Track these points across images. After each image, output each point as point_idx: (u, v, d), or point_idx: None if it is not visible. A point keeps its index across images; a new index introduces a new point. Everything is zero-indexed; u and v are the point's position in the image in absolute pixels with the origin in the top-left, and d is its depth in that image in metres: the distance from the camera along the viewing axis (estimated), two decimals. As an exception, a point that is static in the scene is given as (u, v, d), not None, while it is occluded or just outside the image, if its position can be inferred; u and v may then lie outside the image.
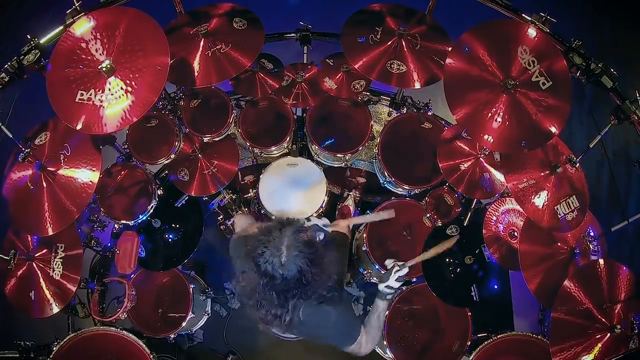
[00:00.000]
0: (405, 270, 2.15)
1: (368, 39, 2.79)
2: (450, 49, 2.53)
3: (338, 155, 3.23)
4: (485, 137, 2.33)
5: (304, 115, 3.41)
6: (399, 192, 3.33)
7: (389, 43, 2.79)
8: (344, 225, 3.01)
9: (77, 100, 2.33)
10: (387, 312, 2.13)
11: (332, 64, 3.16)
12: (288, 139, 3.31)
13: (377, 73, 2.75)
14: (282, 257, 1.71)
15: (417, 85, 2.75)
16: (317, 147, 3.23)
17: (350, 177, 3.72)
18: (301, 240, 1.76)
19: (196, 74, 2.73)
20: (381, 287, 2.16)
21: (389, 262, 2.20)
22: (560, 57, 2.37)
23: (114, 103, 2.32)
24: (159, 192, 3.05)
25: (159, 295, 3.23)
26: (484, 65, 2.35)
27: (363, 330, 2.06)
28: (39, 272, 2.66)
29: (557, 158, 2.52)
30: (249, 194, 3.41)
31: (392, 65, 2.75)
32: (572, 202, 2.50)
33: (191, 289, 3.14)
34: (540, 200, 2.45)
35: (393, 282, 2.14)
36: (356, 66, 2.75)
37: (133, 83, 2.32)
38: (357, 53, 2.78)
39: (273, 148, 3.30)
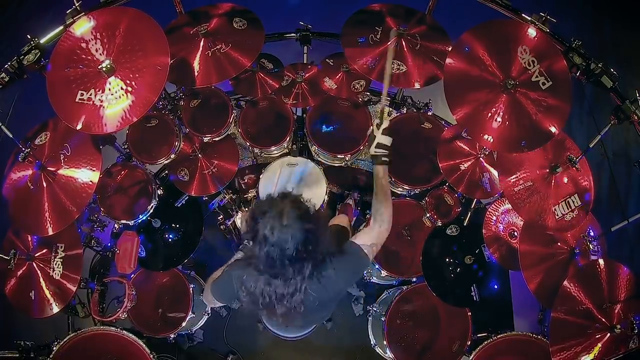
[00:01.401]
0: (385, 108, 2.11)
1: (368, 39, 2.79)
2: (450, 48, 2.53)
3: (338, 155, 3.23)
4: (485, 137, 2.33)
5: (304, 115, 3.41)
6: (399, 192, 3.33)
7: (388, 43, 2.79)
8: (345, 221, 3.03)
9: (77, 100, 2.33)
10: (387, 178, 2.11)
11: (332, 64, 3.16)
12: (288, 139, 3.31)
13: (377, 73, 2.74)
14: (284, 220, 1.67)
15: (417, 85, 2.75)
16: (317, 147, 3.23)
17: (350, 177, 3.73)
18: (300, 201, 1.76)
19: (196, 74, 2.73)
20: (372, 149, 2.11)
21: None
22: (560, 57, 2.37)
23: (114, 103, 2.32)
24: (159, 192, 3.05)
25: (159, 295, 3.23)
26: (484, 65, 2.35)
27: (370, 225, 2.02)
28: (39, 272, 2.66)
29: (559, 157, 2.52)
30: (249, 194, 3.41)
31: (392, 66, 2.75)
32: (574, 202, 2.50)
33: (191, 289, 3.14)
34: (538, 201, 2.45)
35: (381, 137, 2.09)
36: (356, 67, 2.75)
37: (133, 83, 2.32)
38: (357, 53, 2.78)
39: (273, 148, 3.30)
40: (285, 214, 1.69)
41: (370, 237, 2.00)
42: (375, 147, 2.09)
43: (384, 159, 2.09)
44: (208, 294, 2.11)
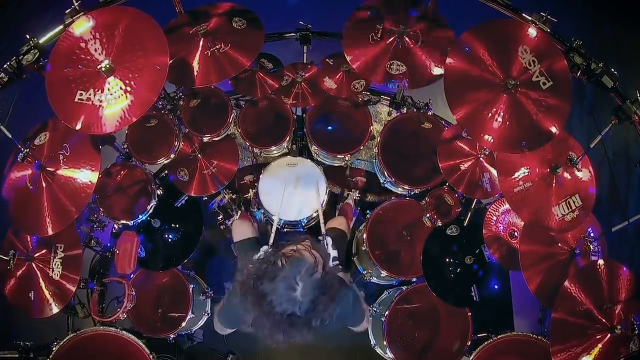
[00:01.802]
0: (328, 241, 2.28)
1: (367, 40, 2.78)
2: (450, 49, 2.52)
3: (338, 155, 3.23)
4: (486, 137, 2.33)
5: (304, 115, 3.40)
6: (399, 192, 3.33)
7: (389, 41, 2.78)
8: (343, 223, 3.03)
9: (76, 100, 2.33)
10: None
11: (332, 63, 3.15)
12: (288, 138, 3.31)
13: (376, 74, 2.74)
14: (298, 294, 1.64)
15: (437, 71, 2.71)
16: (317, 147, 3.23)
17: (350, 177, 3.72)
18: (302, 270, 1.68)
19: (196, 73, 2.72)
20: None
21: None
22: (561, 57, 2.36)
23: (113, 103, 2.31)
24: (159, 192, 3.05)
25: (158, 295, 3.22)
26: (484, 65, 2.34)
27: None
28: (38, 272, 2.65)
29: (559, 157, 2.51)
30: (249, 194, 3.41)
31: (392, 66, 2.74)
32: (574, 202, 2.49)
33: (191, 289, 3.13)
34: (538, 202, 2.45)
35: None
36: (354, 66, 2.74)
37: (132, 83, 2.32)
38: (357, 53, 2.77)
39: (273, 148, 3.29)
40: (299, 288, 1.65)
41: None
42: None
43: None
44: (216, 323, 2.19)
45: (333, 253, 2.19)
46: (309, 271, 1.69)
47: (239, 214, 3.25)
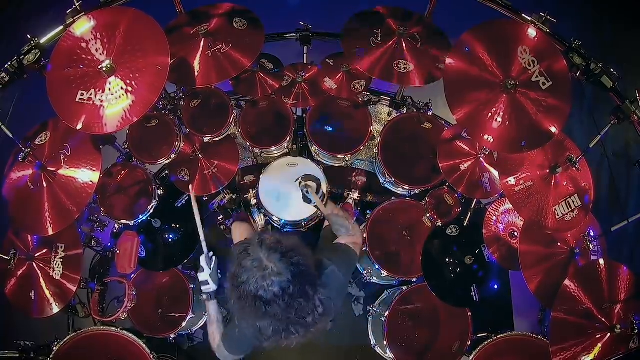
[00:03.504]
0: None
1: (365, 51, 2.79)
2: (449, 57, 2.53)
3: (338, 155, 3.23)
4: (485, 137, 2.33)
5: (304, 115, 3.41)
6: (399, 192, 3.33)
7: (389, 43, 2.79)
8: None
9: (77, 100, 2.33)
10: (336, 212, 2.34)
11: (332, 64, 3.16)
12: (288, 139, 3.31)
13: (378, 71, 2.74)
14: (274, 269, 1.64)
15: (418, 83, 2.74)
16: (317, 148, 3.23)
17: (350, 177, 3.73)
18: (269, 244, 1.69)
19: (196, 74, 2.73)
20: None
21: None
22: (560, 57, 2.37)
23: (114, 103, 2.32)
24: (159, 192, 3.05)
25: (159, 295, 3.23)
26: (484, 65, 2.35)
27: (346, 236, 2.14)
28: (39, 272, 2.66)
29: (559, 157, 2.52)
30: (249, 194, 3.41)
31: (399, 65, 2.75)
32: (574, 202, 2.50)
33: (191, 289, 3.14)
34: (538, 201, 2.45)
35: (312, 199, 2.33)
36: (358, 67, 2.75)
37: (133, 83, 2.32)
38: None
39: (273, 148, 3.30)
40: (271, 265, 1.64)
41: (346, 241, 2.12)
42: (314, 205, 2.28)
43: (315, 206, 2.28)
44: (223, 353, 2.14)
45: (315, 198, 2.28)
46: (260, 243, 1.70)
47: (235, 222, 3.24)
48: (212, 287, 2.17)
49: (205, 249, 2.17)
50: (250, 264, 1.67)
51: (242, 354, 2.12)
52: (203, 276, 2.15)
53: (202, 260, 2.15)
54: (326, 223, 3.00)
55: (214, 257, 2.18)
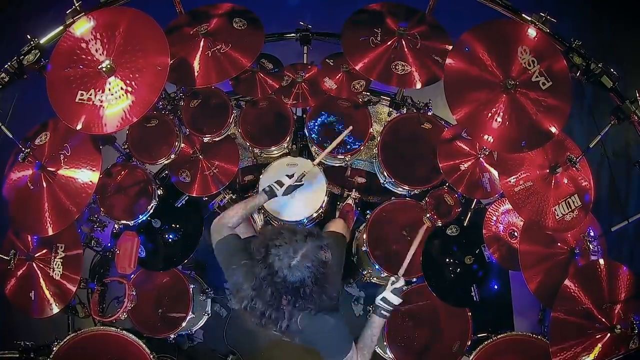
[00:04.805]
0: (401, 282, 2.16)
1: (368, 40, 2.79)
2: (450, 47, 2.53)
3: (338, 155, 3.23)
4: (485, 137, 2.33)
5: (304, 115, 3.41)
6: (399, 192, 3.33)
7: (389, 43, 2.79)
8: (342, 226, 3.02)
9: (77, 100, 2.34)
10: (380, 332, 2.15)
11: (332, 64, 3.16)
12: (288, 139, 3.31)
13: (377, 73, 2.74)
14: (293, 260, 1.70)
15: (418, 85, 2.74)
16: (317, 148, 3.23)
17: (350, 177, 3.72)
18: (318, 256, 1.75)
19: (196, 74, 2.73)
20: (377, 300, 2.15)
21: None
22: (560, 57, 2.36)
23: (114, 103, 2.32)
24: (159, 192, 3.05)
25: (159, 295, 3.22)
26: (484, 65, 2.35)
27: (355, 347, 1.99)
28: (39, 272, 2.66)
29: (559, 157, 2.52)
30: (249, 194, 3.41)
31: (397, 66, 2.75)
32: (573, 202, 2.50)
33: (191, 289, 3.14)
34: (538, 201, 2.45)
35: (389, 294, 2.14)
36: (357, 67, 2.75)
37: (133, 83, 2.32)
38: (357, 53, 2.77)
39: (273, 148, 3.30)
40: (297, 259, 1.70)
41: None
42: (381, 300, 2.15)
43: (384, 312, 2.13)
44: (217, 232, 2.17)
45: (393, 299, 2.16)
46: (319, 247, 1.76)
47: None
48: (280, 192, 2.37)
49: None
50: (293, 239, 1.74)
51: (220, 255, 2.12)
52: (285, 181, 2.37)
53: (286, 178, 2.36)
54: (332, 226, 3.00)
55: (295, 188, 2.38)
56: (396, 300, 2.14)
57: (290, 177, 2.43)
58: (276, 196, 2.34)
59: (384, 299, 2.14)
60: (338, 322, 1.94)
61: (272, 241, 1.75)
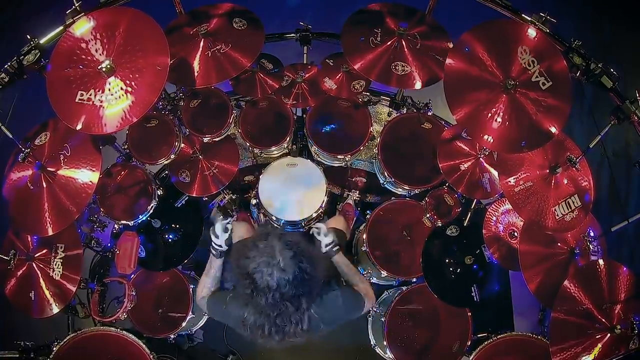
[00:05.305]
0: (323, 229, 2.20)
1: (367, 41, 2.79)
2: (451, 45, 2.52)
3: (338, 156, 3.23)
4: (485, 137, 2.33)
5: (304, 115, 3.41)
6: (399, 192, 3.33)
7: (389, 43, 2.79)
8: (343, 222, 3.02)
9: (77, 100, 2.33)
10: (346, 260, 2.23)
11: (332, 64, 3.16)
12: (288, 139, 3.31)
13: (377, 73, 2.74)
14: (280, 263, 1.69)
15: (418, 86, 2.75)
16: (317, 148, 3.23)
17: (350, 177, 3.73)
18: (289, 241, 1.75)
19: (196, 74, 2.73)
20: (323, 249, 2.18)
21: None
22: (560, 57, 2.36)
23: (114, 103, 2.32)
24: (159, 192, 3.05)
25: (159, 295, 3.22)
26: (484, 65, 2.34)
27: (358, 291, 2.08)
28: (38, 272, 2.65)
29: (559, 157, 2.52)
30: (249, 194, 3.41)
31: (397, 67, 2.75)
32: (573, 202, 2.49)
33: (191, 289, 3.14)
34: (538, 202, 2.45)
35: (324, 239, 2.18)
36: (357, 67, 2.75)
37: (133, 83, 2.32)
38: (357, 53, 2.78)
39: (273, 148, 3.30)
40: (279, 258, 1.69)
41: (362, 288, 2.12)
42: (325, 247, 2.18)
43: (334, 249, 2.19)
44: (203, 306, 2.16)
45: (326, 240, 2.17)
46: (281, 235, 1.75)
47: (235, 217, 3.24)
48: (223, 248, 2.21)
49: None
50: (262, 247, 1.72)
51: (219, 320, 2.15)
52: (218, 240, 2.20)
53: (218, 227, 2.20)
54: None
55: (229, 225, 2.23)
56: (330, 238, 2.18)
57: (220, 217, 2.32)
58: (223, 248, 2.22)
59: (325, 245, 2.17)
60: (341, 288, 2.00)
61: (249, 269, 1.72)
